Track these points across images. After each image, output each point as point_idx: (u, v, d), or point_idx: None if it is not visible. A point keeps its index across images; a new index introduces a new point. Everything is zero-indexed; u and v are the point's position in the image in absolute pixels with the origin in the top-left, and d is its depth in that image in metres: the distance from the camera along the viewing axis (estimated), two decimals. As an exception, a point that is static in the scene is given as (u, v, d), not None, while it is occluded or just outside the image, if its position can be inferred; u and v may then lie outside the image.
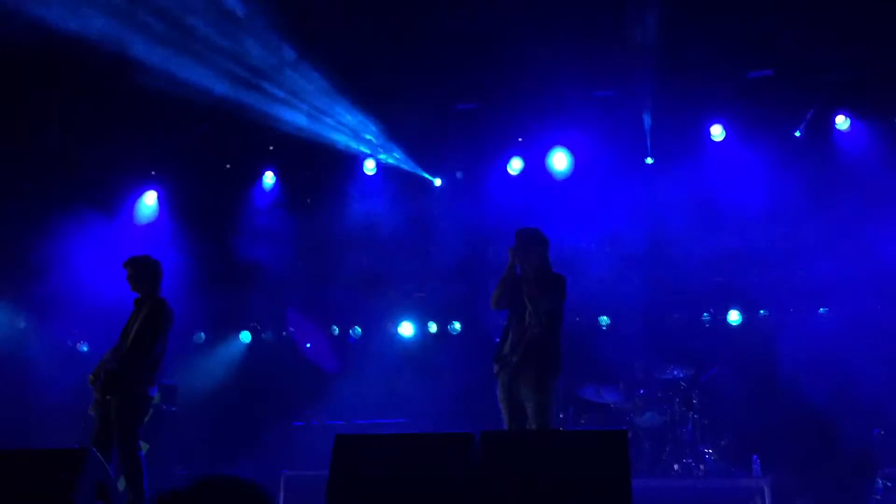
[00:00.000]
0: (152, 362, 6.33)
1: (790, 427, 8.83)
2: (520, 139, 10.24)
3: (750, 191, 9.28)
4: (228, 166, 10.90)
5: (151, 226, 10.90)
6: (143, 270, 6.56)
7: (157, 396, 6.59)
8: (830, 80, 9.19)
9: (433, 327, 10.89)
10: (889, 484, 7.79)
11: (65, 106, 9.57)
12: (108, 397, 6.20)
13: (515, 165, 10.29)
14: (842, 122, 9.43)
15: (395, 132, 10.17)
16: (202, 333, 11.13)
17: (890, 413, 8.27)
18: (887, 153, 9.07)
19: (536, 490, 4.21)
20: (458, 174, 10.55)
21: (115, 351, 6.39)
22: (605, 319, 10.32)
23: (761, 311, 10.09)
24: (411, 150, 10.41)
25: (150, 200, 10.97)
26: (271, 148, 10.69)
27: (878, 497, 7.82)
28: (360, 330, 11.07)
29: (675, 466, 8.35)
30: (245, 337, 11.26)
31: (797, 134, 9.48)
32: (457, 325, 10.88)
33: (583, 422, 8.95)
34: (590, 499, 4.10)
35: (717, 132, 9.68)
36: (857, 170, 9.18)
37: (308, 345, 10.95)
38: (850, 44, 8.50)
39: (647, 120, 9.38)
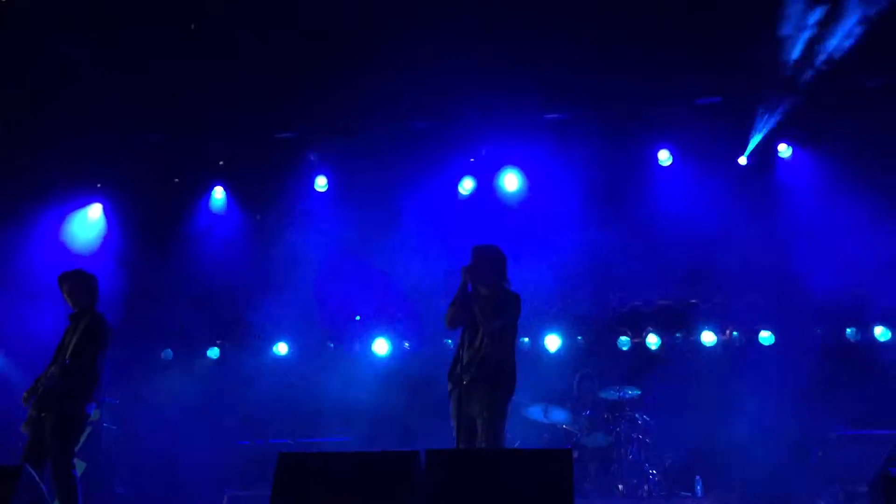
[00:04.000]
0: (91, 379, 6.16)
1: (733, 449, 8.95)
2: (472, 159, 10.27)
3: (695, 214, 9.43)
4: (177, 180, 10.74)
5: (96, 240, 10.64)
6: (78, 285, 6.42)
7: (95, 414, 6.42)
8: (775, 108, 9.42)
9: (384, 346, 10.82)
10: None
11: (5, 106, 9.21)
12: (42, 415, 6.03)
13: (467, 185, 10.32)
14: (784, 150, 9.69)
15: (349, 150, 10.15)
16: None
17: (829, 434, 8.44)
18: (825, 180, 9.33)
19: (480, 509, 4.20)
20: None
21: (52, 367, 6.22)
22: (553, 339, 10.36)
23: (704, 333, 10.26)
24: (364, 168, 10.36)
25: (94, 214, 10.73)
26: (221, 163, 10.57)
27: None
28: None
29: (620, 486, 8.40)
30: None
31: (743, 160, 9.67)
32: (406, 345, 10.84)
33: (529, 442, 8.96)
34: (533, 518, 4.10)
35: (664, 157, 9.85)
36: (797, 196, 9.44)
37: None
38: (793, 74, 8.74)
39: (596, 142, 9.48)
